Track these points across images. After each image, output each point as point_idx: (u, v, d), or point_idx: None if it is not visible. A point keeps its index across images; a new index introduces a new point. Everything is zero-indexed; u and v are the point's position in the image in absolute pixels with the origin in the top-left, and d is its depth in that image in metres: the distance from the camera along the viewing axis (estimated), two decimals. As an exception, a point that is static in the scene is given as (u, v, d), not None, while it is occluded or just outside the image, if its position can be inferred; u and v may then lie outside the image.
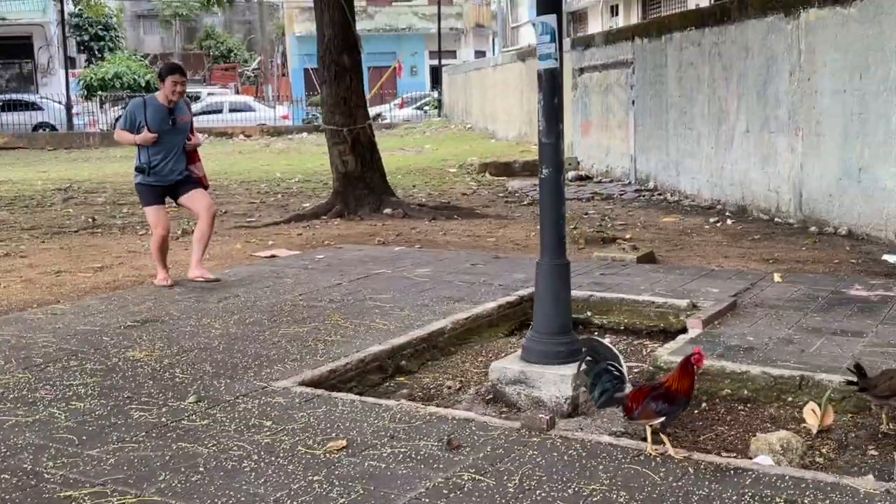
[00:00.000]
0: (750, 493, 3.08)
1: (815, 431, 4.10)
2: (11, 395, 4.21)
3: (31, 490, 3.16)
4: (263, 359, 4.80)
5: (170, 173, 6.79)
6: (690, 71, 12.56)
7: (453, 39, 45.44)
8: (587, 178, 16.25)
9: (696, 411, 4.50)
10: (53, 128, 30.00)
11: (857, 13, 8.92)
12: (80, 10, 35.48)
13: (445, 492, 3.13)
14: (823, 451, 3.92)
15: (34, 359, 4.83)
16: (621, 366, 3.70)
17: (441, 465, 3.36)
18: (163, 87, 6.73)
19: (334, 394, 4.23)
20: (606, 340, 5.53)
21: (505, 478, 3.24)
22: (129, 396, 4.18)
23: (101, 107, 33.75)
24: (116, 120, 32.46)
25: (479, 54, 43.73)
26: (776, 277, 6.72)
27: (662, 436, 3.49)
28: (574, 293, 6.29)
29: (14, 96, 31.93)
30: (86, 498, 3.09)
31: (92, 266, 8.05)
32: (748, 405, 4.50)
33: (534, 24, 4.27)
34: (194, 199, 6.91)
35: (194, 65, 47.29)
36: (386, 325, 5.51)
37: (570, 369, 4.20)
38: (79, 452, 3.50)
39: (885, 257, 7.81)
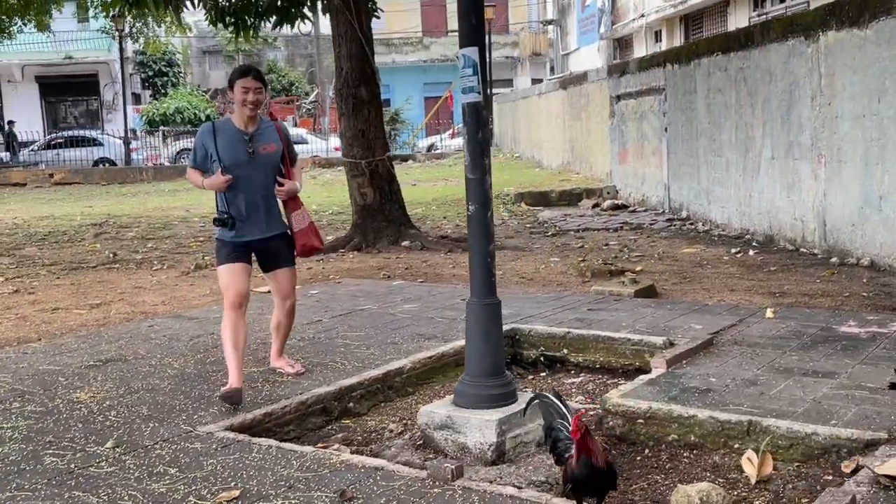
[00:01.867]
0: (632, 555, 2.88)
1: (753, 481, 3.86)
2: (-62, 439, 4.22)
3: None
4: (204, 401, 4.74)
5: (253, 226, 4.93)
6: (718, 97, 12.26)
7: (510, 68, 45.45)
8: (623, 206, 15.97)
9: (638, 458, 4.29)
10: (113, 163, 30.81)
11: (874, 35, 8.58)
12: (142, 48, 36.59)
13: (315, 548, 3.00)
14: (756, 503, 3.68)
15: (-20, 400, 4.85)
16: (570, 423, 3.39)
17: (325, 519, 3.23)
18: (234, 100, 4.96)
19: (255, 439, 4.13)
20: (572, 386, 5.35)
21: (383, 534, 3.09)
22: (50, 441, 4.16)
23: (164, 141, 34.66)
24: (178, 154, 33.32)
25: (536, 82, 43.64)
26: (768, 313, 6.43)
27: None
28: (552, 330, 6.19)
29: (76, 132, 32.95)
30: (-49, 550, 3.04)
31: (90, 303, 8.14)
32: (694, 452, 4.27)
33: (457, 57, 4.16)
34: (277, 281, 5.16)
35: (255, 99, 48.06)
36: (344, 364, 5.41)
37: (497, 413, 4.03)
38: (-29, 501, 3.47)
39: (901, 290, 7.42)
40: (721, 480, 3.92)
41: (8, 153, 33.15)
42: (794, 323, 6.11)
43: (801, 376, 4.83)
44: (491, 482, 3.63)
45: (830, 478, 3.80)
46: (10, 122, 34.64)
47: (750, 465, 3.88)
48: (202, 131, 5.01)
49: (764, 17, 18.73)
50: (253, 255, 5.05)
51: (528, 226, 13.79)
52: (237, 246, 4.94)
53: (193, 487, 3.56)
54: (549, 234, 12.69)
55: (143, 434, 4.23)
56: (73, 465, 3.83)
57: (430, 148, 35.64)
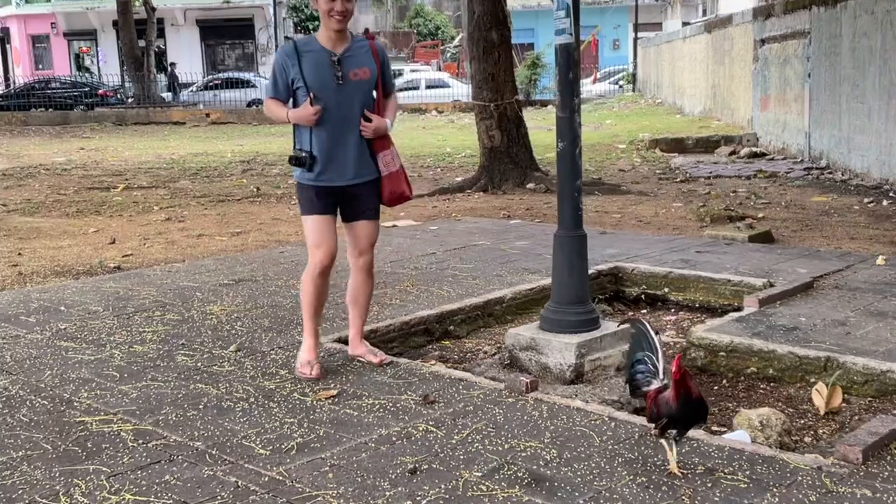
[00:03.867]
0: (677, 460, 3.14)
1: (822, 412, 4.01)
2: (91, 338, 4.86)
3: (57, 414, 3.73)
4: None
5: (341, 169, 4.15)
6: (863, 41, 11.81)
7: (659, 11, 44.30)
8: (762, 154, 15.59)
9: (715, 387, 4.50)
10: (265, 104, 32.18)
11: None
12: (294, -8, 37.82)
13: (394, 439, 3.40)
14: (819, 431, 3.85)
15: (128, 308, 5.51)
16: (658, 360, 3.32)
17: (407, 417, 3.63)
18: (320, 12, 4.06)
19: (358, 350, 4.57)
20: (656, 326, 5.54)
21: (455, 431, 3.47)
22: (183, 344, 4.73)
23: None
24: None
25: (687, 26, 42.35)
26: (879, 260, 6.38)
27: (664, 443, 3.16)
28: (655, 269, 6.38)
29: (231, 75, 34.56)
30: (95, 423, 3.62)
31: (231, 231, 8.84)
32: (771, 384, 4.44)
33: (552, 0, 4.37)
34: (355, 233, 4.33)
35: (402, 42, 48.92)
36: (449, 292, 5.79)
37: (577, 337, 4.31)
38: (113, 387, 4.05)
39: None
40: (791, 410, 4.09)
41: (171, 93, 35.14)
42: (904, 270, 6.06)
43: (893, 319, 4.86)
44: (565, 397, 3.94)
45: (904, 413, 3.90)
46: (173, 64, 36.63)
47: (819, 396, 4.03)
48: (282, 53, 4.13)
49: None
50: (338, 206, 4.27)
51: (657, 172, 13.74)
52: (321, 191, 4.17)
53: (298, 386, 4.03)
54: (678, 180, 12.64)
55: (262, 342, 4.75)
56: (199, 364, 4.38)
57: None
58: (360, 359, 4.38)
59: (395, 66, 38.09)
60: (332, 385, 4.04)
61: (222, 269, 6.67)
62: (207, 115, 28.48)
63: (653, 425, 3.20)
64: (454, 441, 3.37)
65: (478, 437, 3.41)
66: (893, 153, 10.95)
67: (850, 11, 12.22)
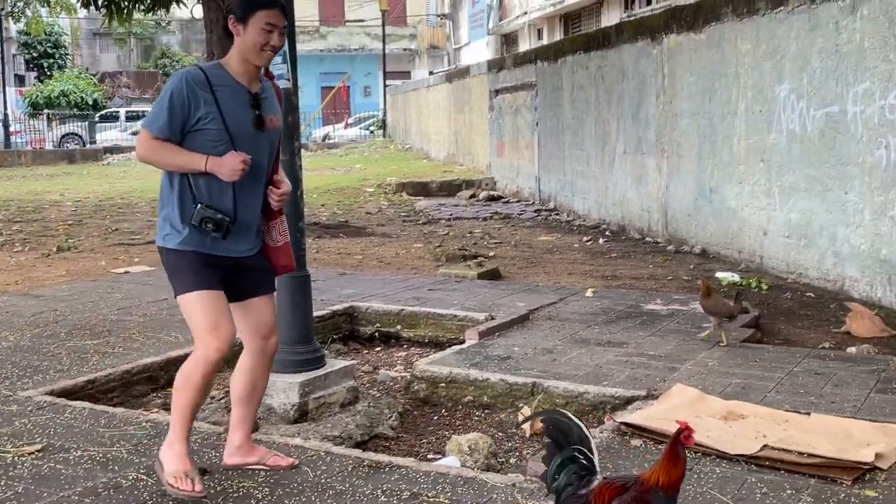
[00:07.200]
0: (385, 487, 3.27)
1: (528, 434, 4.31)
2: None
3: None
4: (31, 370, 4.93)
5: (245, 236, 3.34)
6: (581, 94, 12.88)
7: (407, 60, 45.81)
8: (499, 198, 16.50)
9: (435, 417, 4.71)
10: (-8, 146, 29.98)
11: (706, 39, 9.25)
12: (25, 28, 35.62)
13: (100, 490, 3.29)
14: (524, 452, 4.14)
15: None
16: (591, 451, 2.72)
17: (117, 467, 3.52)
18: (238, 45, 3.25)
19: (70, 402, 4.37)
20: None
21: (168, 477, 3.40)
22: None
23: (49, 125, 33.87)
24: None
25: (432, 75, 44.06)
26: (588, 293, 6.96)
27: None
28: (388, 307, 6.57)
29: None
30: None
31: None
32: (486, 410, 4.71)
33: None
34: (256, 312, 3.46)
35: (147, 82, 47.34)
36: (178, 338, 5.66)
37: (301, 377, 4.38)
38: None
39: (718, 275, 8.06)
40: (501, 434, 4.36)
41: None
42: (608, 301, 6.64)
43: (595, 346, 5.33)
44: (285, 436, 3.98)
45: (595, 429, 4.27)
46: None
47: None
48: (189, 81, 3.18)
49: (634, 17, 19.58)
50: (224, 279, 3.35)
51: (402, 214, 14.16)
52: (209, 261, 3.27)
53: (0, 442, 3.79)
54: (421, 222, 13.09)
55: (-37, 398, 4.42)
56: None
57: (325, 137, 35.75)
58: (259, 467, 3.48)
59: (141, 108, 36.80)
60: (38, 439, 3.83)
61: (-75, 323, 6.14)
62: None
63: None
64: (164, 488, 3.30)
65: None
66: (608, 195, 11.99)
67: (569, 66, 13.31)
